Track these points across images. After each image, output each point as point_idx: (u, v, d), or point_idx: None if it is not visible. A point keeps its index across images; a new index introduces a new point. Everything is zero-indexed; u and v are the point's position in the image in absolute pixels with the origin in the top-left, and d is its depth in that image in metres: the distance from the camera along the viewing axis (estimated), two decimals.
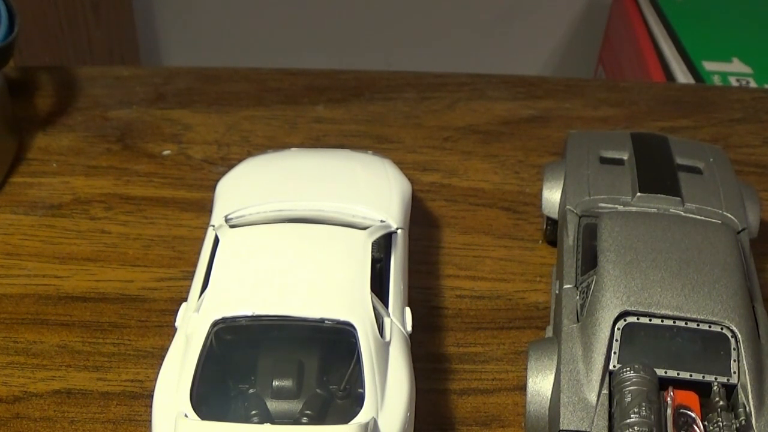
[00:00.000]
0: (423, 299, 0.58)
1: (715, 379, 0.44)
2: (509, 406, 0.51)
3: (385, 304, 0.47)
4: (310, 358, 0.45)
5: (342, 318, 0.44)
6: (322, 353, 0.46)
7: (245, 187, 0.55)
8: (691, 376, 0.44)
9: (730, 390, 0.44)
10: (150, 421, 0.42)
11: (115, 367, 0.53)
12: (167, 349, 0.45)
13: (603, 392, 0.43)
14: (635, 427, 0.41)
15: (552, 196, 0.59)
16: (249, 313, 0.44)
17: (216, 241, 0.50)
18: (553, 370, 0.46)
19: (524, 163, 0.71)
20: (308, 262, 0.47)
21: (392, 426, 0.41)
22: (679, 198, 0.53)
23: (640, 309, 0.45)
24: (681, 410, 0.43)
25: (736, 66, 1.17)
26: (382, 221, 0.52)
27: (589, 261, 0.50)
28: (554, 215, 0.59)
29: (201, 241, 0.52)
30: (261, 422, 0.43)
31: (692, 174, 0.56)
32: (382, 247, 0.51)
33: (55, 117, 0.74)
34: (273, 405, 0.44)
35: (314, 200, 0.53)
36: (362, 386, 0.42)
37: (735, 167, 0.59)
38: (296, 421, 0.43)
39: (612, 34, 1.46)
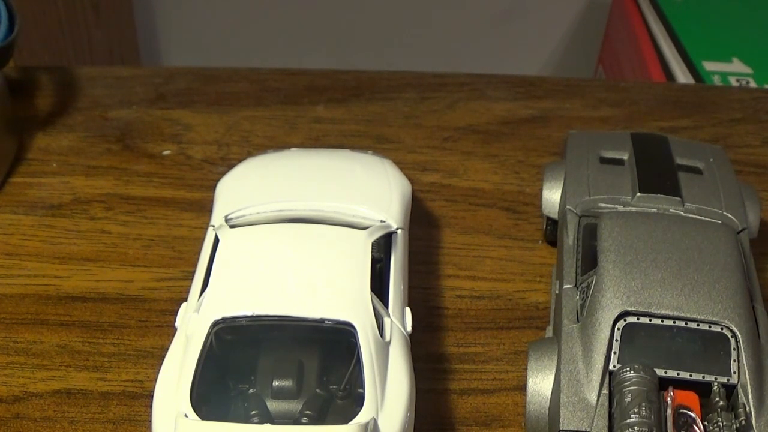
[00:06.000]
0: (423, 299, 0.58)
1: (715, 379, 0.44)
2: (509, 406, 0.51)
3: (385, 304, 0.47)
4: (310, 358, 0.45)
5: (342, 318, 0.44)
6: (322, 353, 0.46)
7: (245, 187, 0.55)
8: (691, 376, 0.44)
9: (730, 390, 0.44)
10: (150, 421, 0.42)
11: (115, 367, 0.53)
12: (167, 349, 0.45)
13: (603, 392, 0.43)
14: (635, 427, 0.41)
15: (552, 196, 0.59)
16: (249, 313, 0.44)
17: (216, 241, 0.50)
18: (553, 370, 0.46)
19: (524, 163, 0.71)
20: (308, 262, 0.47)
21: (392, 426, 0.41)
22: (679, 198, 0.53)
23: (640, 309, 0.45)
24: (681, 410, 0.43)
25: (736, 66, 1.17)
26: (382, 221, 0.52)
27: (589, 261, 0.50)
28: (554, 215, 0.59)
29: (201, 241, 0.52)
30: (261, 422, 0.43)
31: (692, 174, 0.56)
32: (382, 247, 0.51)
33: (55, 117, 0.74)
34: (273, 405, 0.44)
35: (314, 200, 0.53)
36: (362, 386, 0.42)
37: (735, 167, 0.59)
38: (296, 421, 0.43)
39: (612, 34, 1.46)
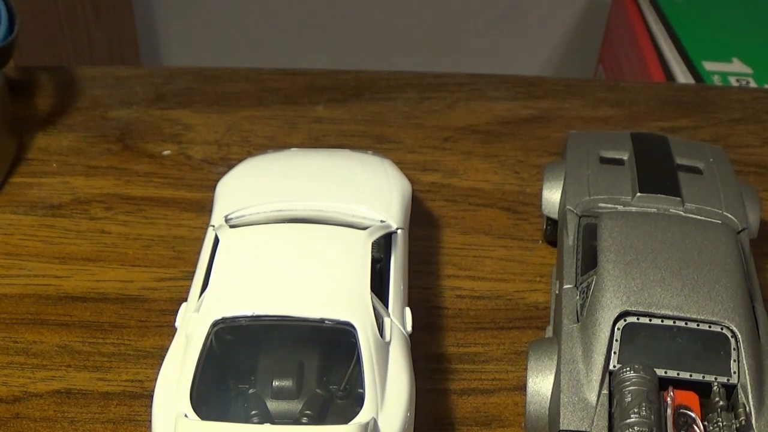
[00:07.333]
0: (423, 299, 0.58)
1: (715, 379, 0.44)
2: (509, 406, 0.51)
3: (385, 304, 0.47)
4: (310, 358, 0.45)
5: (342, 318, 0.44)
6: (322, 353, 0.46)
7: (245, 187, 0.55)
8: (691, 376, 0.44)
9: (730, 390, 0.44)
10: (150, 421, 0.42)
11: (115, 367, 0.53)
12: (167, 349, 0.45)
13: (603, 392, 0.43)
14: (635, 427, 0.41)
15: (552, 196, 0.59)
16: (249, 313, 0.44)
17: (216, 241, 0.50)
18: (553, 370, 0.46)
19: (524, 163, 0.71)
20: (308, 262, 0.47)
21: (392, 426, 0.41)
22: (679, 198, 0.53)
23: (640, 309, 0.45)
24: (681, 410, 0.43)
25: (736, 66, 1.17)
26: (382, 221, 0.52)
27: (589, 261, 0.50)
28: (554, 215, 0.59)
29: (201, 241, 0.52)
30: (261, 422, 0.43)
31: (692, 174, 0.56)
32: (382, 247, 0.51)
33: (55, 117, 0.74)
34: (273, 405, 0.44)
35: (314, 200, 0.53)
36: (362, 386, 0.42)
37: (735, 167, 0.59)
38: (296, 421, 0.43)
39: (612, 34, 1.46)
